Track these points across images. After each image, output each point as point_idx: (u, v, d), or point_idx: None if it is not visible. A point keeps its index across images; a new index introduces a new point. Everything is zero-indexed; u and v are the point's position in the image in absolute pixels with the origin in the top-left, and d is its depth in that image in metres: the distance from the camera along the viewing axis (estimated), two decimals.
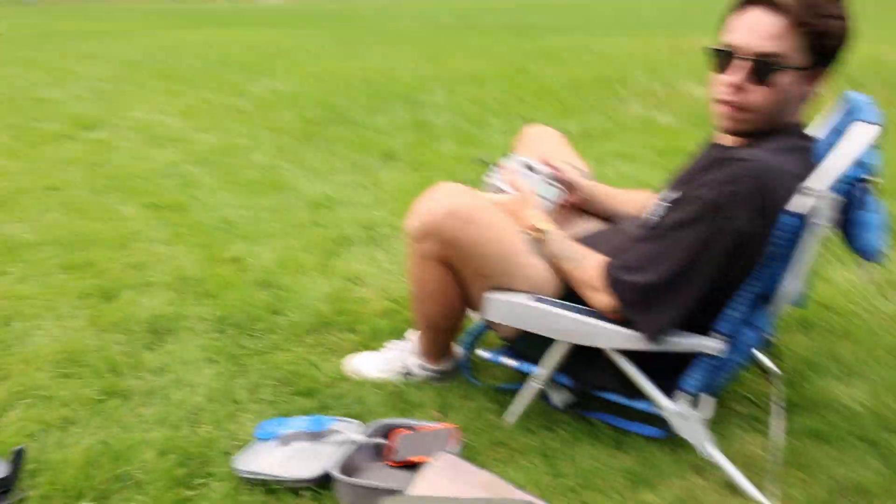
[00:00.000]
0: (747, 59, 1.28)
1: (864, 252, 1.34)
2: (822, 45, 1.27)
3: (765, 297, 1.36)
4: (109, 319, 2.06)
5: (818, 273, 2.24)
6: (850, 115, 1.36)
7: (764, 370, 1.74)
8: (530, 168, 1.70)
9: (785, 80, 1.28)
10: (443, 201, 1.46)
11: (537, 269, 1.49)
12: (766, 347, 1.69)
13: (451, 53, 9.03)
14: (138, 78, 7.27)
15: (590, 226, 1.81)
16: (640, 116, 4.87)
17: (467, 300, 1.56)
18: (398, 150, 3.99)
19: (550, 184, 1.70)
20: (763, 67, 1.27)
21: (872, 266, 1.48)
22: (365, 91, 6.06)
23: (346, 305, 2.17)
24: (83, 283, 2.29)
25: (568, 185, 1.75)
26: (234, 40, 11.83)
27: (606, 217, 1.81)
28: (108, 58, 9.21)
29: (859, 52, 6.81)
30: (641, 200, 1.73)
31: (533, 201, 1.57)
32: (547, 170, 1.72)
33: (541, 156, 1.76)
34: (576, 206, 1.79)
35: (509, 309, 1.47)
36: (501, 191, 1.64)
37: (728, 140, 1.42)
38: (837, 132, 1.35)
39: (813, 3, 1.24)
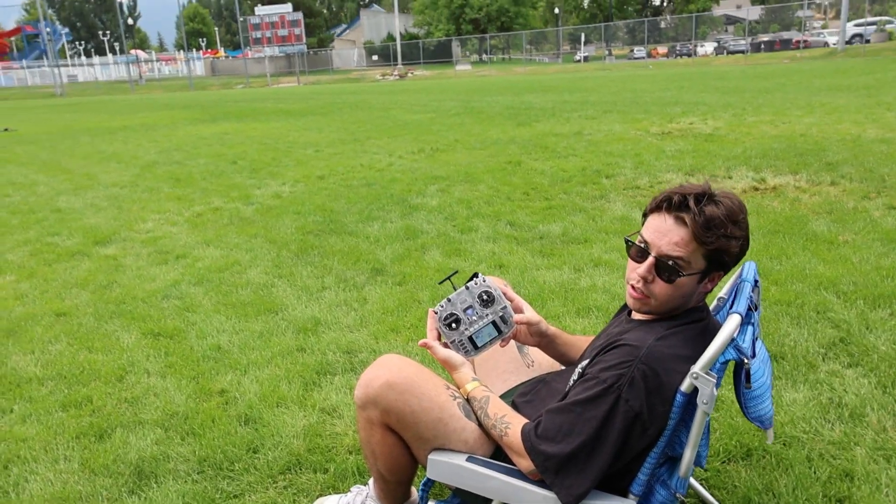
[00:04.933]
0: (655, 258, 1.48)
1: (758, 422, 1.49)
2: (720, 258, 1.47)
3: (672, 459, 1.51)
4: (101, 462, 2.24)
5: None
6: (740, 277, 1.58)
7: None
8: (488, 298, 1.75)
9: (685, 280, 1.48)
10: (383, 373, 1.64)
11: (472, 432, 1.65)
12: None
13: (450, 145, 9.44)
14: (153, 182, 7.70)
15: (537, 355, 1.96)
16: (620, 217, 5.09)
17: (414, 457, 1.72)
18: (386, 264, 4.22)
19: (502, 318, 1.74)
20: (666, 268, 1.47)
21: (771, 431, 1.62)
22: (363, 194, 6.38)
23: (321, 441, 2.33)
24: (80, 422, 2.48)
25: (525, 323, 1.84)
26: (247, 136, 12.42)
27: (561, 360, 1.94)
28: (127, 160, 9.74)
29: (842, 132, 7.06)
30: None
31: (455, 360, 1.69)
32: (505, 301, 1.76)
33: (503, 287, 1.85)
34: (527, 342, 1.88)
35: (446, 469, 1.62)
36: (446, 322, 1.71)
37: (636, 314, 1.61)
38: (733, 291, 1.57)
39: (712, 225, 1.43)
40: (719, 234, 1.44)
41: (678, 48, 50.87)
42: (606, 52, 56.41)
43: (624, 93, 18.55)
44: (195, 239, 5.06)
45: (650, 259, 1.49)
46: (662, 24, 60.84)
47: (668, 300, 1.51)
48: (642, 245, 1.52)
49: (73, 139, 13.44)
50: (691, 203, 1.45)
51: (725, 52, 46.70)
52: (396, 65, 56.50)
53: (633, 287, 1.54)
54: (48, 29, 59.55)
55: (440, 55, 61.22)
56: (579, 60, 55.11)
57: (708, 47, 50.14)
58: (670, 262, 1.46)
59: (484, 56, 64.77)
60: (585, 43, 59.50)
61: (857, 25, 40.79)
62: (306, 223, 5.36)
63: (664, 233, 1.47)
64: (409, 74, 50.23)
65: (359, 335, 3.19)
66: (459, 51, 65.64)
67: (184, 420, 2.48)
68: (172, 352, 3.07)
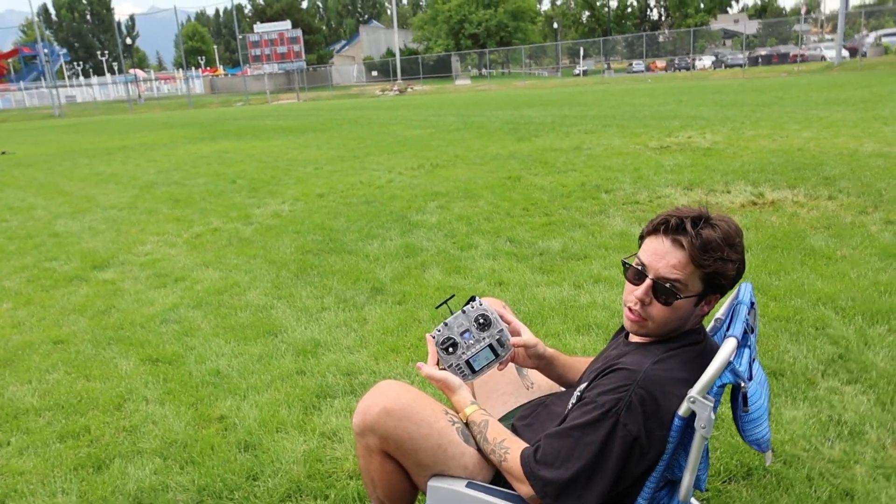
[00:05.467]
0: (652, 280, 1.48)
1: (756, 445, 1.49)
2: (716, 280, 1.48)
3: (672, 483, 1.51)
4: (99, 494, 2.23)
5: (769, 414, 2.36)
6: (736, 299, 1.58)
7: None
8: (484, 322, 1.75)
9: (682, 303, 1.48)
10: (380, 400, 1.64)
11: (472, 457, 1.64)
12: None
13: (450, 161, 9.47)
14: (152, 204, 7.72)
15: (536, 378, 1.96)
16: (620, 233, 5.10)
17: (414, 484, 1.71)
18: (386, 283, 4.22)
19: (499, 342, 1.75)
20: (663, 291, 1.48)
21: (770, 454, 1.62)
22: (363, 212, 6.40)
23: (321, 467, 2.32)
24: (77, 454, 2.47)
25: (523, 346, 1.84)
26: (247, 154, 12.47)
27: (560, 381, 1.94)
28: (126, 181, 9.77)
29: (840, 146, 7.10)
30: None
31: (453, 384, 1.70)
32: (502, 324, 1.77)
33: (501, 309, 1.86)
34: (526, 364, 1.88)
35: (446, 496, 1.62)
36: (443, 346, 1.72)
37: (633, 337, 1.61)
38: (729, 312, 1.57)
39: (709, 248, 1.44)
40: (716, 257, 1.45)
41: (676, 62, 51.22)
42: (605, 66, 56.79)
43: (623, 107, 18.65)
44: (194, 261, 5.07)
45: (647, 282, 1.50)
46: (661, 38, 61.33)
47: (665, 323, 1.51)
48: (639, 267, 1.52)
49: (72, 161, 13.49)
50: (688, 226, 1.46)
51: (723, 65, 47.02)
52: (396, 80, 56.82)
53: (630, 309, 1.55)
54: (46, 50, 59.98)
55: (439, 70, 61.64)
56: (578, 74, 55.47)
57: (706, 61, 50.49)
58: (668, 285, 1.47)
59: (483, 70, 65.18)
60: (584, 57, 59.94)
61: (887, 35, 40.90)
62: (306, 242, 5.37)
63: (661, 255, 1.48)
64: (409, 89, 50.51)
65: (359, 356, 3.18)
66: (459, 65, 66.07)
67: (183, 448, 2.47)
68: (171, 378, 3.06)
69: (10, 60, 74.44)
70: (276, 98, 52.45)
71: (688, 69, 47.56)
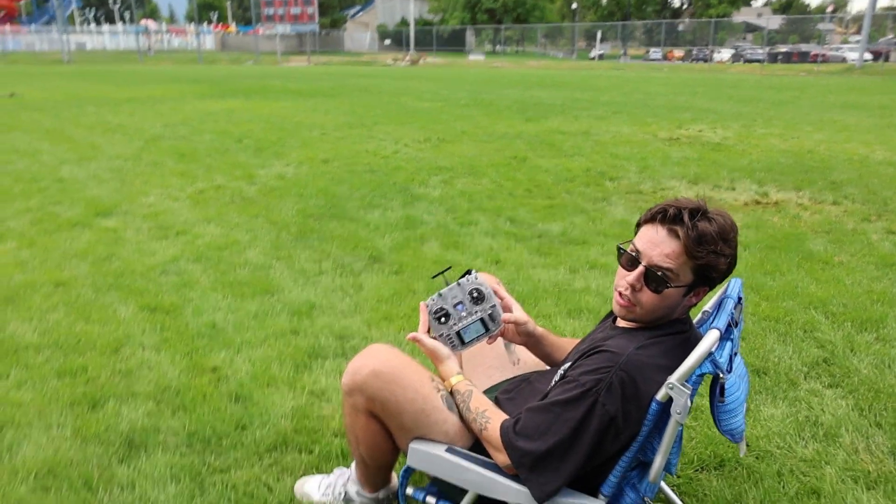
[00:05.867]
0: (645, 267, 1.52)
1: (729, 434, 1.54)
2: (707, 273, 1.52)
3: (643, 464, 1.57)
4: (93, 430, 2.30)
5: (747, 410, 2.42)
6: (725, 293, 1.62)
7: None
8: (478, 296, 1.79)
9: (672, 292, 1.52)
10: (370, 362, 1.69)
11: (453, 424, 1.70)
12: None
13: (457, 136, 9.46)
14: (157, 156, 7.73)
15: (523, 354, 2.02)
16: (620, 221, 5.13)
17: (396, 445, 1.78)
18: (384, 252, 4.26)
19: (490, 316, 1.78)
20: (655, 278, 1.52)
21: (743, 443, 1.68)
22: (367, 180, 6.42)
23: (307, 423, 2.38)
24: (74, 391, 2.54)
25: (513, 322, 1.89)
26: (255, 114, 12.43)
27: (546, 360, 1.99)
28: (132, 132, 9.77)
29: (850, 151, 7.08)
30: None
31: (441, 353, 1.75)
32: (495, 300, 1.80)
33: (495, 285, 1.91)
34: (514, 340, 1.94)
35: (426, 458, 1.68)
36: (435, 315, 1.77)
37: (621, 322, 1.66)
38: (717, 305, 1.62)
39: (703, 240, 1.48)
40: (710, 250, 1.49)
41: (695, 52, 50.60)
42: (622, 52, 56.17)
43: (636, 94, 18.53)
44: (196, 216, 5.10)
45: (640, 268, 1.54)
46: (680, 27, 60.53)
47: (653, 310, 1.55)
48: (633, 254, 1.56)
49: (79, 108, 13.44)
50: (685, 217, 1.50)
51: (742, 59, 46.45)
52: (409, 50, 56.29)
53: (620, 294, 1.59)
54: None
55: (453, 43, 61.00)
56: (594, 58, 54.85)
57: (725, 54, 49.82)
58: (659, 273, 1.51)
59: (497, 47, 64.52)
60: (601, 40, 59.16)
61: None
62: (308, 206, 5.40)
63: (656, 244, 1.52)
64: (422, 61, 50.07)
65: (352, 321, 3.24)
66: (474, 40, 65.38)
67: (175, 394, 2.54)
68: (168, 327, 3.12)
69: (21, 3, 73.80)
70: (286, 60, 52.01)
71: (706, 61, 47.04)
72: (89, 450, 2.20)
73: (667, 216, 1.52)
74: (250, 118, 11.80)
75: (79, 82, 22.77)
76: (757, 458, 2.24)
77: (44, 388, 2.56)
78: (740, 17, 67.87)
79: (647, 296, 1.54)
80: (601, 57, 55.19)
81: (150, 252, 4.22)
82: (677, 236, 1.50)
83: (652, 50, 54.61)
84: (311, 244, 4.43)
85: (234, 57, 54.86)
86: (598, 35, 60.33)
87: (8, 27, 65.44)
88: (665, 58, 51.75)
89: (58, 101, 14.94)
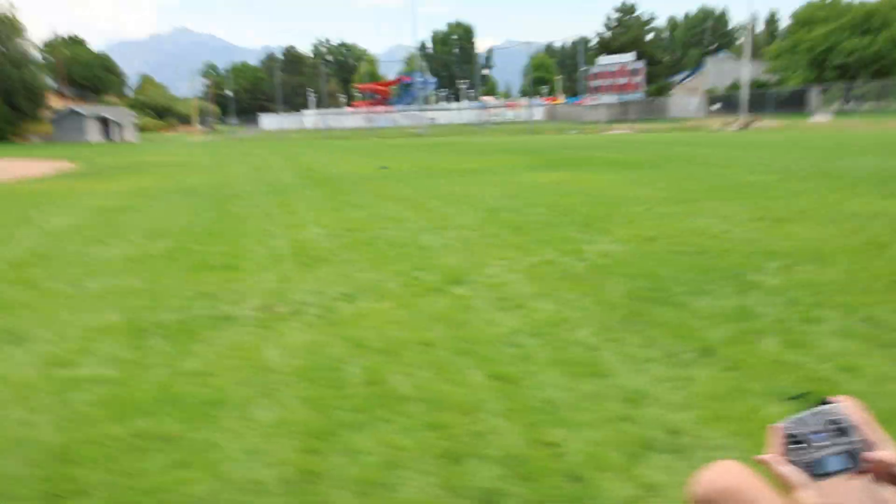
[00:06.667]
0: None
1: None
2: None
3: None
4: (458, 482, 2.73)
5: None
6: None
7: None
8: (839, 428, 1.61)
9: None
10: (722, 479, 1.74)
11: None
12: None
13: (797, 215, 8.70)
14: (496, 228, 8.67)
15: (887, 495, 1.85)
16: None
17: None
18: (715, 345, 4.16)
19: (852, 453, 1.56)
20: None
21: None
22: (694, 263, 6.31)
23: None
24: (440, 444, 3.04)
25: (878, 461, 1.74)
26: (580, 187, 13.09)
27: None
28: (475, 203, 11.10)
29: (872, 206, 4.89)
30: None
31: (797, 480, 1.68)
32: (859, 435, 1.59)
33: (860, 417, 1.77)
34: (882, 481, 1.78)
35: None
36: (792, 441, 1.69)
37: None
38: None
39: None
40: None
41: None
42: None
43: None
44: (531, 289, 5.61)
45: None
46: None
47: None
48: None
49: (431, 179, 15.74)
50: None
51: None
52: (740, 114, 53.12)
53: None
54: (420, 79, 71.30)
55: (792, 104, 55.83)
56: None
57: None
58: None
59: (849, 104, 57.01)
60: None
61: None
62: (634, 288, 5.53)
63: None
64: (755, 124, 46.82)
65: (683, 416, 3.25)
66: (820, 99, 58.92)
67: (520, 463, 2.86)
68: (512, 396, 3.52)
69: (393, 87, 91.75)
70: (608, 127, 53.34)
71: None
72: (456, 502, 2.62)
73: None
74: (576, 190, 12.45)
75: (430, 153, 26.61)
76: None
77: (418, 437, 3.12)
78: None
79: None
80: None
81: (495, 322, 4.79)
82: None
83: None
84: (638, 329, 4.54)
85: (559, 126, 58.25)
86: None
87: (381, 108, 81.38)
88: None
89: (415, 172, 17.70)
